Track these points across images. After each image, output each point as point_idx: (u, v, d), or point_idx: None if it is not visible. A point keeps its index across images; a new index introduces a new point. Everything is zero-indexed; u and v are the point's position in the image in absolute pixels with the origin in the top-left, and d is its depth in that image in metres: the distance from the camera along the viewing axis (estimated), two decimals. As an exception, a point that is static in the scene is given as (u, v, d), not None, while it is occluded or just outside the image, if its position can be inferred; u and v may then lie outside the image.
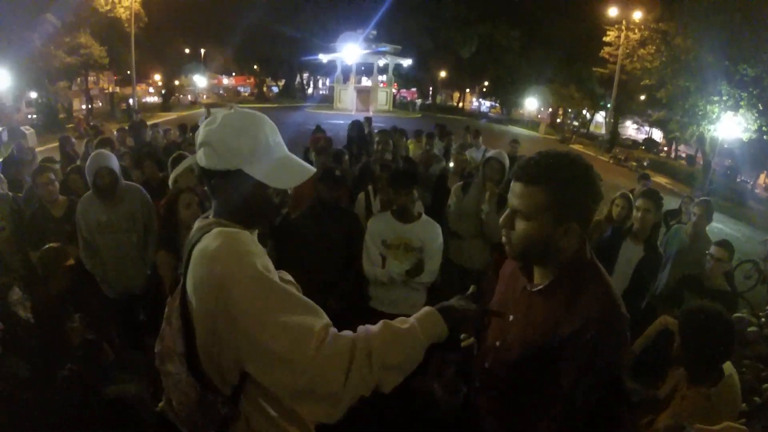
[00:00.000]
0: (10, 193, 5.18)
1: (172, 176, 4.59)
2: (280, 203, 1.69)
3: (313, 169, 1.70)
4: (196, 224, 1.70)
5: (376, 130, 8.18)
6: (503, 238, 1.70)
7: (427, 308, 1.58)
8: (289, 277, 1.76)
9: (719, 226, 14.09)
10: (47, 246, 3.81)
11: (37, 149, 10.96)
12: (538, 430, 1.65)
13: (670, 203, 6.57)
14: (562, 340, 1.55)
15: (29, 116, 28.10)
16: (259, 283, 1.43)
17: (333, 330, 1.44)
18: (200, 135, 1.61)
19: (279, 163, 1.63)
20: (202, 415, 1.62)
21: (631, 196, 5.29)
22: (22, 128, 21.05)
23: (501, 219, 1.68)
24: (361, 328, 1.50)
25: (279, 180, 1.62)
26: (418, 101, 54.21)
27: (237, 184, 1.59)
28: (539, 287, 1.70)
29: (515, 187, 1.63)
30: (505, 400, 1.76)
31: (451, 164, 6.55)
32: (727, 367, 2.45)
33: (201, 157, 1.61)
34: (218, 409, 1.60)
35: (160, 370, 1.71)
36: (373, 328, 1.49)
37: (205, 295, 1.48)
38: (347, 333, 1.46)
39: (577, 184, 1.55)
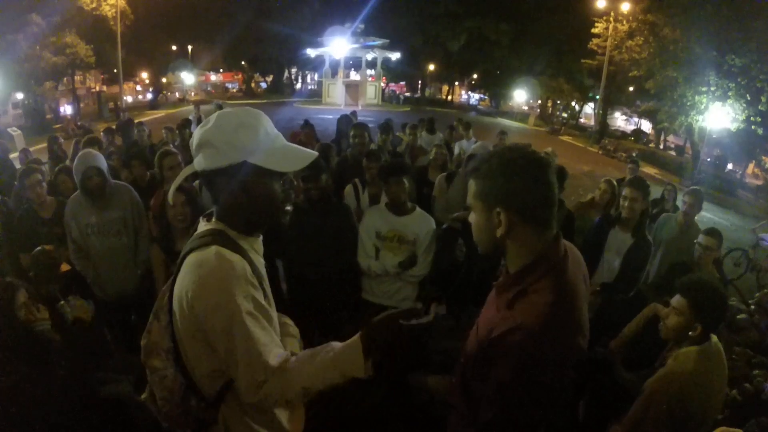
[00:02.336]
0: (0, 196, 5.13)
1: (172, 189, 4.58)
2: (284, 197, 1.70)
3: (315, 154, 1.70)
4: (199, 226, 1.71)
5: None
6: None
7: (354, 342, 1.57)
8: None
9: (708, 215, 14.22)
10: (39, 248, 3.77)
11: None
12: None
13: (656, 193, 6.64)
14: (492, 339, 1.52)
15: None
16: (237, 335, 1.49)
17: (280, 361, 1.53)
18: (196, 138, 1.62)
19: (282, 150, 1.65)
20: (182, 414, 1.66)
21: (614, 182, 5.35)
22: (9, 130, 20.87)
23: (470, 218, 1.72)
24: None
25: (284, 164, 1.64)
26: (401, 95, 54.05)
27: (242, 177, 1.58)
28: (496, 282, 1.72)
29: None
30: (460, 394, 1.76)
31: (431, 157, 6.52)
32: (713, 336, 2.57)
33: (201, 160, 1.61)
34: (198, 412, 1.64)
35: (145, 364, 1.73)
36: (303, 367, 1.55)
37: (185, 310, 1.53)
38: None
39: (498, 170, 1.55)
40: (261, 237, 1.79)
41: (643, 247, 4.29)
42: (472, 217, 1.68)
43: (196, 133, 1.63)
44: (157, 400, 1.70)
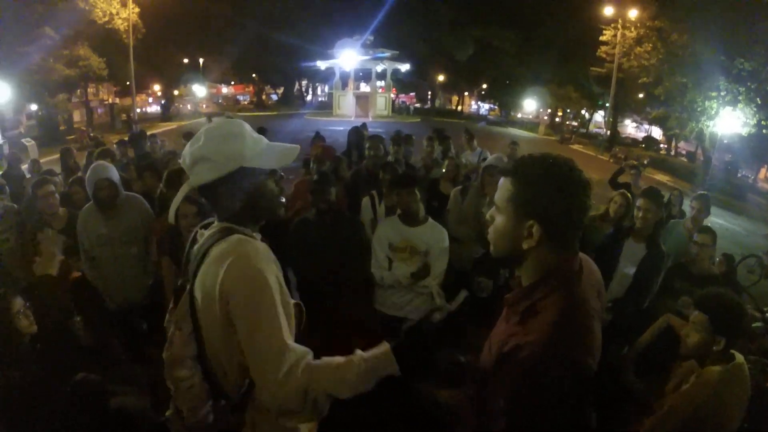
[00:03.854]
0: (15, 205, 5.18)
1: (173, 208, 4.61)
2: (279, 191, 1.80)
3: (298, 147, 1.88)
4: (207, 232, 1.81)
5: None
6: (488, 236, 1.65)
7: (383, 347, 1.62)
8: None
9: (720, 222, 14.06)
10: (42, 276, 3.75)
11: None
12: None
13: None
14: (502, 354, 1.49)
15: (21, 131, 28.04)
16: (264, 309, 1.57)
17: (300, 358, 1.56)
18: (189, 156, 1.72)
19: (270, 150, 1.80)
20: (210, 425, 1.73)
21: (629, 194, 5.28)
22: (23, 141, 21.11)
23: (487, 215, 1.65)
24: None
25: (276, 162, 1.85)
26: (411, 106, 54.23)
27: (241, 181, 1.72)
28: (507, 296, 1.66)
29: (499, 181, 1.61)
30: (472, 407, 1.73)
31: (443, 170, 6.48)
32: (738, 356, 2.51)
33: (200, 175, 1.71)
34: (227, 415, 1.71)
35: (169, 377, 1.79)
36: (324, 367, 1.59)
37: (213, 298, 1.60)
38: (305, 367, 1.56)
39: (542, 182, 1.47)
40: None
41: (656, 257, 4.19)
42: (497, 218, 1.59)
43: (188, 151, 1.74)
44: (185, 412, 1.76)
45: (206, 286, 1.64)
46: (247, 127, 1.78)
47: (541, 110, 53.40)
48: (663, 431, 2.46)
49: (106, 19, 26.99)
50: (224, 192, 1.73)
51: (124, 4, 27.61)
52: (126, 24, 28.27)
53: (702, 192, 5.51)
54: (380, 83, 41.94)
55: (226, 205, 1.76)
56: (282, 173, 5.23)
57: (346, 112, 37.97)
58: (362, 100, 39.58)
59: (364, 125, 9.78)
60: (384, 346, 1.61)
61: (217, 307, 1.60)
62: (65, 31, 23.25)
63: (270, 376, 1.52)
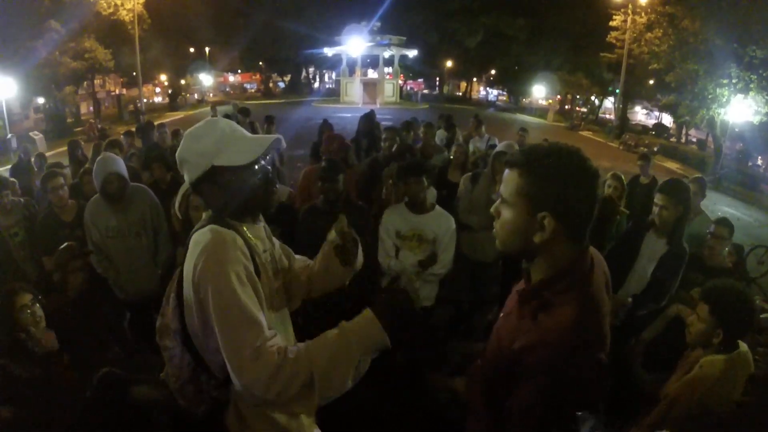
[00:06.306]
0: (22, 199, 5.21)
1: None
2: (264, 184, 1.84)
3: (272, 137, 1.86)
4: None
5: (383, 123, 8.18)
6: (494, 230, 1.63)
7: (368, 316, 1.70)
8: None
9: (731, 211, 13.90)
10: (63, 246, 3.83)
11: (47, 154, 11.00)
12: None
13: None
14: (515, 352, 1.48)
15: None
16: (224, 297, 1.61)
17: (270, 344, 1.62)
18: (177, 157, 1.83)
19: (240, 144, 1.79)
20: (195, 392, 1.79)
21: (622, 176, 5.22)
22: (31, 134, 21.22)
23: (492, 208, 1.63)
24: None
25: (243, 157, 1.76)
26: (419, 92, 53.99)
27: (215, 179, 1.78)
28: (520, 289, 1.65)
29: (504, 174, 1.58)
30: (482, 400, 1.73)
31: (452, 156, 6.47)
32: (742, 345, 2.51)
33: (185, 176, 1.83)
34: (208, 390, 1.77)
35: (159, 344, 1.89)
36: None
37: (189, 285, 1.68)
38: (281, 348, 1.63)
39: (556, 173, 1.43)
40: (261, 224, 1.98)
41: (678, 255, 3.89)
42: (506, 213, 1.56)
43: (177, 153, 1.84)
44: (169, 377, 1.85)
45: (188, 269, 1.70)
46: (224, 124, 1.83)
47: (551, 98, 53.03)
48: (668, 419, 2.46)
49: (111, 10, 27.09)
50: (207, 189, 1.81)
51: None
52: (131, 15, 28.33)
53: (697, 176, 5.47)
54: (388, 70, 41.79)
55: (212, 202, 1.83)
56: (278, 165, 5.19)
57: (354, 99, 37.90)
58: (370, 86, 39.48)
59: (373, 112, 9.76)
60: (366, 313, 1.70)
61: (192, 292, 1.67)
62: (71, 24, 23.29)
63: (238, 356, 1.58)
